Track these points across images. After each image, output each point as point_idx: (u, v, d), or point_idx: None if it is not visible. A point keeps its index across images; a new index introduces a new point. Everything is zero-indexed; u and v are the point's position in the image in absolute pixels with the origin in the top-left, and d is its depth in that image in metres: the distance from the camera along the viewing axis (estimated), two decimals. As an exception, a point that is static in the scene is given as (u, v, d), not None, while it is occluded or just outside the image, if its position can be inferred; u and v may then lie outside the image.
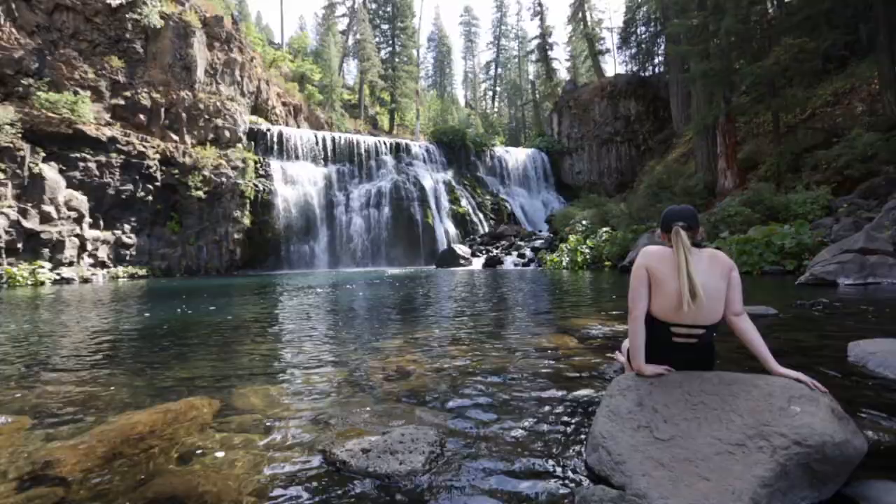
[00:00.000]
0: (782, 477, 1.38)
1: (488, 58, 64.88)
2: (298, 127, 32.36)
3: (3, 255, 16.72)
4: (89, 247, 19.54)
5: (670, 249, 1.91)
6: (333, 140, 29.67)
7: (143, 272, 21.05)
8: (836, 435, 1.42)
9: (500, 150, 37.27)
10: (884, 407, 2.14)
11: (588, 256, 16.75)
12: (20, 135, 17.94)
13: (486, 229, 28.99)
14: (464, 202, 29.93)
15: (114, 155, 20.61)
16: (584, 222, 20.09)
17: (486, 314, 6.06)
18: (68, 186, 19.14)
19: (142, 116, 22.29)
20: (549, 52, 45.53)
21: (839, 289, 7.05)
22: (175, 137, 23.17)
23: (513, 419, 2.19)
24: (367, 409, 2.42)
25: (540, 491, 1.56)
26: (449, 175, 31.70)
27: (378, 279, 14.89)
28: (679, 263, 1.80)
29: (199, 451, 1.94)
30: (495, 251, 23.46)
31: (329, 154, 29.12)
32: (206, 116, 24.24)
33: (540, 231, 27.66)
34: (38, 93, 19.12)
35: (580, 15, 41.79)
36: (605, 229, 17.67)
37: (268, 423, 2.24)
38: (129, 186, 21.07)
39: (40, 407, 2.61)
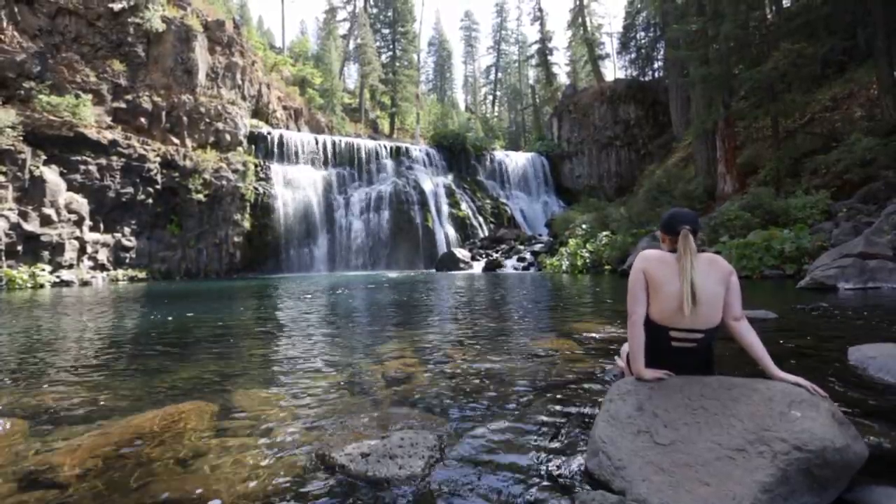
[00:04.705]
0: (783, 482, 1.37)
1: (488, 62, 65.18)
2: (299, 130, 32.42)
3: (3, 258, 16.70)
4: (89, 249, 19.53)
5: (669, 253, 1.91)
6: (334, 143, 29.72)
7: (142, 275, 21.03)
8: (836, 440, 1.42)
9: (500, 153, 37.32)
10: (884, 411, 2.14)
11: (588, 260, 16.74)
12: (21, 137, 17.96)
13: (486, 233, 28.99)
14: (464, 206, 29.94)
15: (114, 158, 20.64)
16: (583, 226, 20.08)
17: (485, 318, 6.06)
18: (69, 189, 19.15)
19: (143, 119, 22.34)
20: (549, 57, 45.69)
21: (839, 293, 7.04)
22: (176, 140, 23.21)
23: (512, 423, 2.19)
24: (367, 412, 2.41)
25: (539, 496, 1.56)
26: (449, 179, 31.72)
27: (378, 283, 14.88)
28: (684, 267, 1.80)
29: (197, 455, 1.93)
30: (495, 255, 23.45)
31: (329, 157, 29.16)
32: (207, 120, 24.29)
33: (540, 235, 27.65)
34: (40, 96, 19.16)
35: (580, 20, 41.96)
36: (604, 233, 17.66)
37: (266, 427, 2.24)
38: (130, 189, 21.08)
39: (38, 410, 2.61)
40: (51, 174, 18.56)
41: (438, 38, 66.09)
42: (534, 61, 48.35)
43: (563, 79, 48.25)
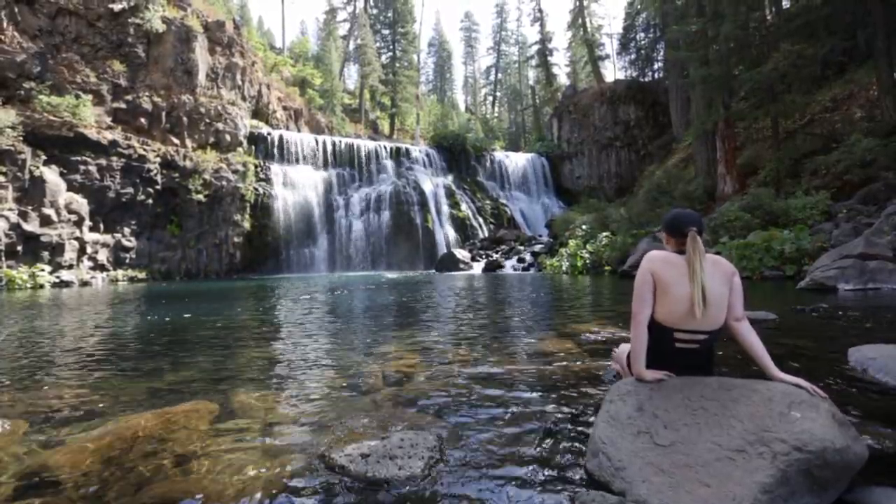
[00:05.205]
0: (783, 483, 1.37)
1: (488, 63, 65.27)
2: (299, 131, 32.43)
3: (3, 258, 16.70)
4: (89, 250, 19.53)
5: (675, 254, 1.91)
6: (334, 144, 29.73)
7: (142, 275, 21.03)
8: (836, 441, 1.41)
9: (500, 154, 37.32)
10: (884, 412, 2.14)
11: (588, 261, 16.74)
12: (21, 138, 17.97)
13: (486, 234, 29.00)
14: (464, 206, 29.95)
15: (114, 158, 20.64)
16: (583, 227, 20.07)
17: (485, 319, 6.05)
18: (69, 189, 19.15)
19: (143, 120, 22.35)
20: (549, 58, 45.74)
21: (839, 294, 7.04)
22: (176, 141, 23.22)
23: (512, 424, 2.19)
24: (366, 413, 2.41)
25: (539, 496, 1.55)
26: (449, 179, 31.72)
27: (377, 283, 14.88)
28: (694, 269, 1.80)
29: (197, 456, 1.93)
30: (495, 255, 23.45)
31: (329, 158, 29.17)
32: (207, 120, 24.30)
33: (540, 235, 27.65)
34: (40, 96, 19.17)
35: (580, 21, 42.01)
36: (604, 234, 17.66)
37: (266, 428, 2.23)
38: (130, 189, 21.09)
39: (37, 410, 2.60)
40: (51, 174, 18.56)
41: (438, 39, 66.14)
42: (534, 62, 48.40)
43: (563, 79, 48.30)
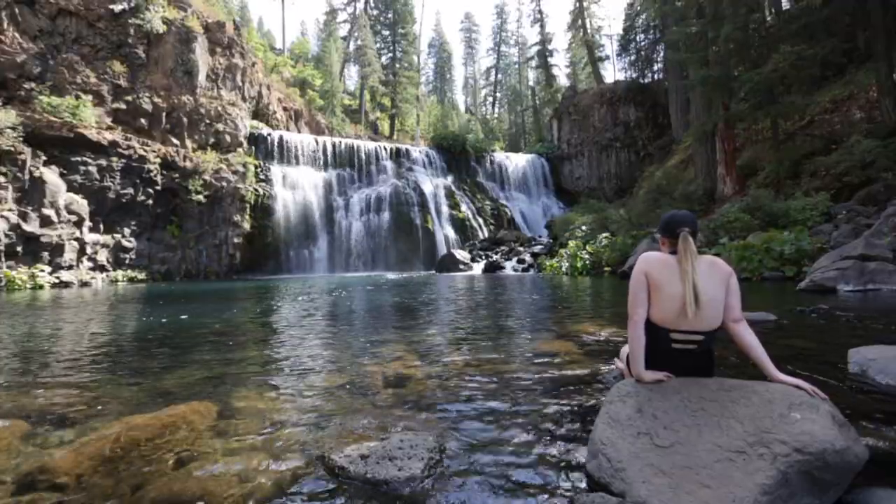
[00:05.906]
0: (783, 484, 1.37)
1: (488, 64, 65.31)
2: (299, 132, 32.45)
3: (3, 259, 16.69)
4: (89, 250, 19.52)
5: (669, 255, 1.91)
6: (334, 145, 29.75)
7: (142, 276, 21.02)
8: (836, 442, 1.41)
9: (499, 155, 37.35)
10: (885, 414, 2.14)
11: (588, 262, 16.73)
12: (21, 138, 17.96)
13: (486, 234, 29.01)
14: (464, 207, 29.96)
15: (115, 159, 20.64)
16: (583, 228, 20.08)
17: (485, 320, 6.05)
18: (69, 190, 19.15)
19: (143, 121, 22.35)
20: (549, 59, 45.83)
21: (839, 295, 7.04)
22: (176, 142, 23.22)
23: (512, 425, 2.19)
24: (366, 414, 2.41)
25: (539, 497, 1.55)
26: (449, 180, 31.74)
27: (377, 284, 14.88)
28: (685, 270, 1.80)
29: (196, 457, 1.93)
30: (495, 256, 23.45)
31: (329, 159, 29.19)
32: (208, 121, 24.31)
33: (539, 236, 27.66)
34: (40, 97, 19.18)
35: (580, 22, 42.07)
36: (604, 235, 17.66)
37: (266, 429, 2.23)
38: (130, 190, 21.08)
39: (37, 411, 2.60)
40: (51, 175, 18.56)
41: (439, 40, 66.18)
42: (534, 63, 48.48)
43: (563, 80, 48.39)
